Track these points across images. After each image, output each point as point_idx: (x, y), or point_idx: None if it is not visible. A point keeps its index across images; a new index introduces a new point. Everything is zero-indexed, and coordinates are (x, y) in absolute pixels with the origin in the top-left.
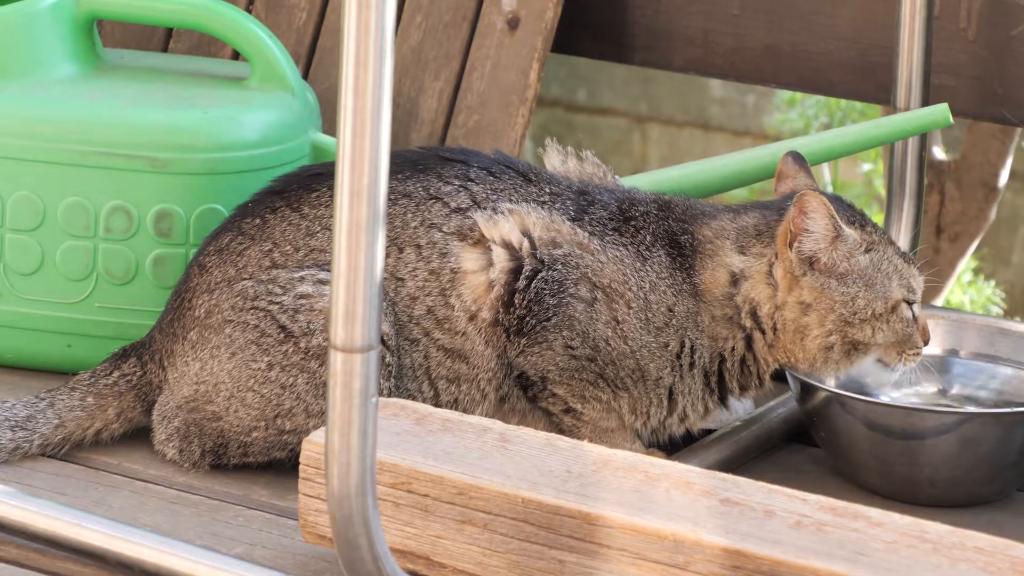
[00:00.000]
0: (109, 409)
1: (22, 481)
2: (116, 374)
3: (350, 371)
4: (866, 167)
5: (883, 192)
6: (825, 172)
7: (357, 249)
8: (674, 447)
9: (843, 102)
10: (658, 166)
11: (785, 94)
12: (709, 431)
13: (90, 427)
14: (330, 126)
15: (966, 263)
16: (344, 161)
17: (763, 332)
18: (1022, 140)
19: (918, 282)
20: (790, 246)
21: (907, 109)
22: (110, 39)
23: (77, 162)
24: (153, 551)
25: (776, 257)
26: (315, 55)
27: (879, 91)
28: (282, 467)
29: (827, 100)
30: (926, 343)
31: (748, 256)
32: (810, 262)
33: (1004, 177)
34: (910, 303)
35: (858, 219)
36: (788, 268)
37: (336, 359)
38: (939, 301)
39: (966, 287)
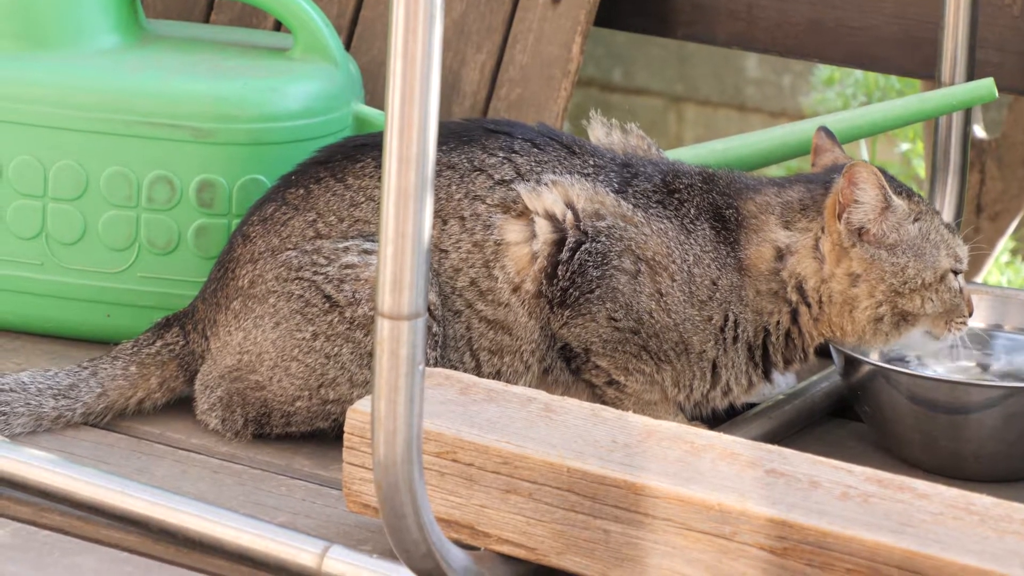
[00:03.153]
0: (152, 378)
1: (65, 449)
2: (159, 343)
3: (397, 338)
4: (904, 147)
5: (921, 172)
6: (863, 151)
7: (405, 216)
8: (716, 420)
9: (881, 81)
10: None
11: (823, 74)
12: (751, 405)
13: (132, 396)
14: (372, 97)
15: (1005, 243)
16: (392, 128)
17: (809, 306)
18: None
19: (963, 251)
20: (839, 217)
21: (952, 84)
22: (152, 10)
23: (120, 132)
24: (196, 518)
25: (822, 231)
26: (357, 26)
27: (923, 66)
28: (325, 437)
29: (865, 79)
30: (970, 313)
31: (794, 231)
32: (859, 233)
33: None
34: (956, 272)
35: (904, 190)
36: (837, 240)
37: (383, 326)
38: (979, 279)
39: (1004, 268)
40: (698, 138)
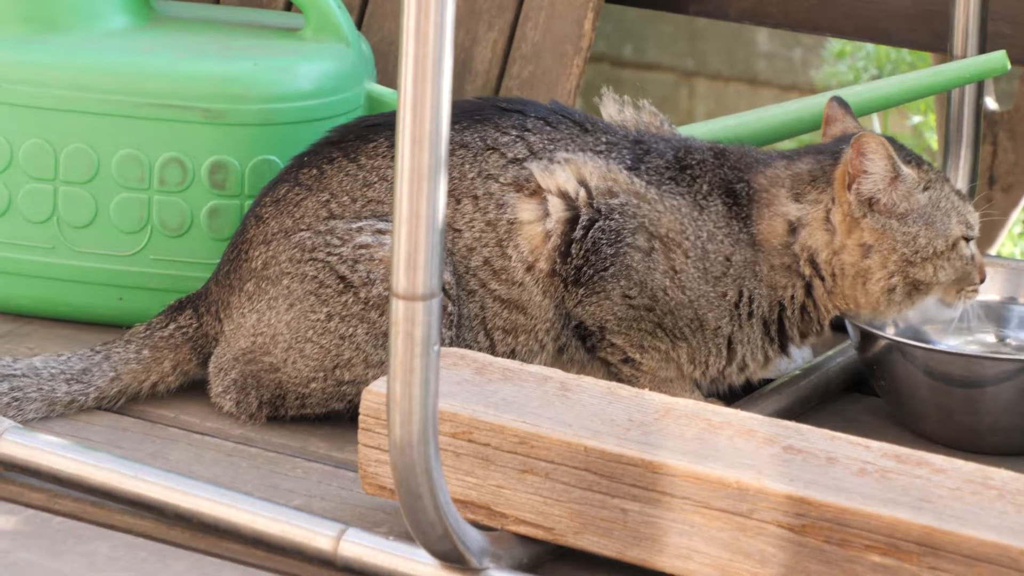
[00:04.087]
0: (165, 362)
1: (78, 434)
2: (172, 326)
3: (412, 319)
4: (916, 119)
5: (934, 145)
6: (875, 124)
7: (419, 196)
8: (733, 396)
9: (892, 54)
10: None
11: (834, 47)
12: (767, 380)
13: (146, 380)
14: (384, 77)
15: (1017, 214)
16: (406, 108)
17: (822, 279)
18: None
19: (974, 218)
20: (849, 188)
21: (964, 57)
22: None
23: (131, 114)
24: (211, 503)
25: (833, 202)
26: (368, 6)
27: (935, 39)
28: (340, 419)
29: (876, 52)
30: (982, 280)
31: (804, 204)
32: (870, 203)
33: None
34: (968, 240)
35: (914, 159)
36: (847, 211)
37: (398, 307)
38: (992, 251)
39: (1017, 239)
40: (709, 113)
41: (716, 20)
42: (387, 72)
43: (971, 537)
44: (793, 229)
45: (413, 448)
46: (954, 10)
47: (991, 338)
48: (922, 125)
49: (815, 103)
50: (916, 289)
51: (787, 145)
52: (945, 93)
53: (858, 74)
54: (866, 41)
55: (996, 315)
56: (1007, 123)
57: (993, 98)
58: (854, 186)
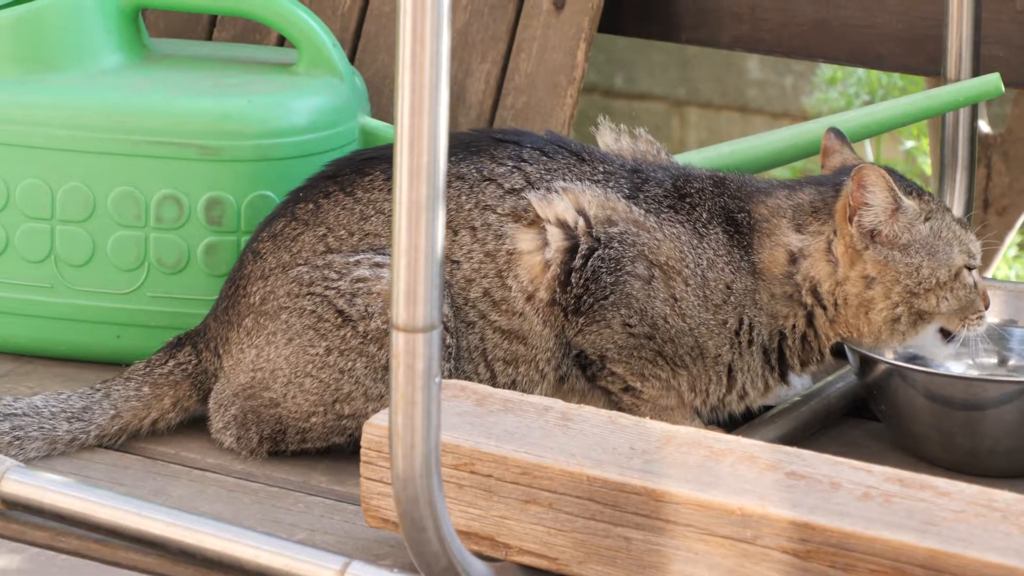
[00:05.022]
0: (165, 398)
1: (80, 472)
2: (171, 363)
3: (412, 351)
4: (909, 144)
5: (927, 170)
6: (868, 150)
7: (417, 228)
8: (733, 424)
9: (884, 79)
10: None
11: (825, 74)
12: (768, 407)
13: (146, 417)
14: (378, 110)
15: (1013, 237)
16: (402, 140)
17: (824, 308)
18: None
19: (976, 247)
20: (850, 220)
21: (958, 80)
22: (154, 29)
23: (126, 151)
24: (215, 538)
25: (835, 233)
26: (360, 40)
27: (928, 63)
28: (341, 452)
29: (868, 78)
30: (986, 307)
31: (806, 234)
32: (872, 235)
33: None
34: (971, 268)
35: (914, 189)
36: (849, 243)
37: (398, 340)
38: (988, 275)
39: (1012, 262)
40: (701, 141)
41: (708, 48)
42: (381, 106)
43: (976, 559)
44: (794, 259)
45: (416, 481)
46: (947, 33)
47: (991, 360)
48: (915, 150)
49: (808, 130)
50: (920, 319)
51: (780, 172)
52: (939, 117)
53: (850, 100)
54: (859, 66)
55: (996, 337)
56: (1001, 146)
57: (986, 121)
58: (856, 218)
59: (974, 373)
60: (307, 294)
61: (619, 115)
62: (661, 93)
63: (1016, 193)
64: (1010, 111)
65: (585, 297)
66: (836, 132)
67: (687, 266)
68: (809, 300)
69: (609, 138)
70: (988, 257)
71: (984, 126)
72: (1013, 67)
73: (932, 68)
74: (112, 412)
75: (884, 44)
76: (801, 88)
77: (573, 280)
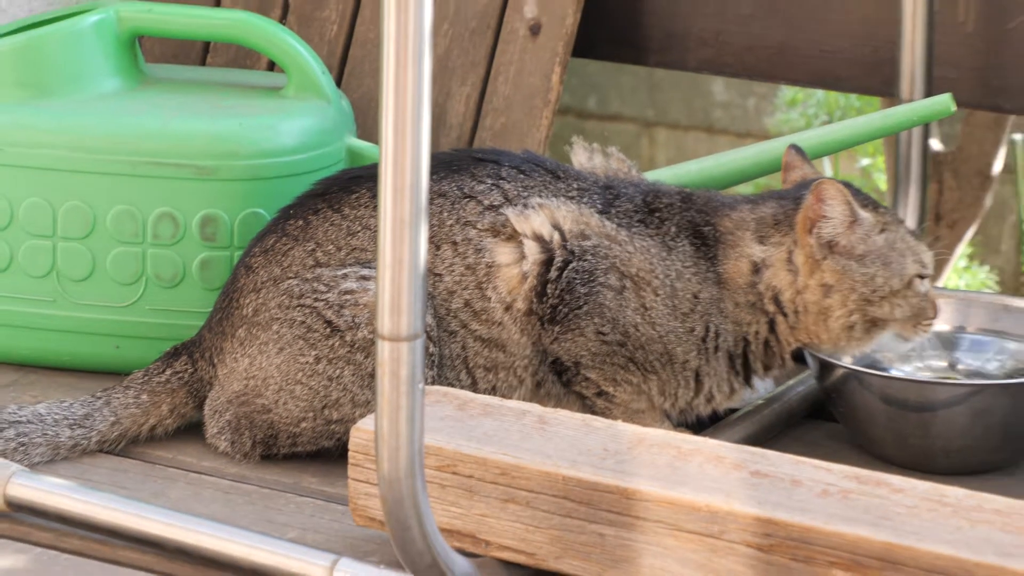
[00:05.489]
0: (163, 405)
1: (82, 476)
2: (168, 372)
3: (397, 359)
4: (865, 161)
5: (882, 185)
6: (826, 166)
7: (401, 243)
8: (700, 426)
9: (842, 100)
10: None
11: (786, 95)
12: (733, 410)
13: (145, 423)
14: (363, 131)
15: (962, 249)
16: (387, 160)
17: (785, 316)
18: (1012, 132)
19: (928, 257)
20: (810, 232)
21: (912, 100)
22: (149, 55)
23: (125, 172)
24: (211, 537)
25: (795, 244)
26: (347, 65)
27: (884, 85)
28: (330, 455)
29: (826, 99)
30: (936, 315)
31: (768, 246)
32: (830, 246)
33: (998, 166)
34: (922, 277)
35: (870, 203)
36: (809, 253)
37: (384, 348)
38: (939, 284)
39: (961, 272)
40: (670, 160)
41: (676, 71)
42: (366, 127)
43: (929, 551)
44: (757, 269)
45: (401, 481)
46: (901, 56)
47: (942, 364)
48: (871, 167)
49: (770, 148)
50: (875, 325)
51: (744, 188)
52: (894, 136)
53: (809, 120)
54: (820, 87)
55: (947, 343)
56: (951, 163)
57: (938, 139)
58: (815, 230)
59: (926, 377)
60: (297, 306)
61: (592, 135)
62: (631, 114)
63: (965, 207)
64: (960, 130)
65: (560, 307)
66: (796, 149)
67: (656, 277)
68: (771, 308)
69: (583, 157)
70: (939, 267)
71: (936, 144)
72: (963, 88)
73: (888, 89)
74: (112, 419)
75: (843, 67)
76: (763, 109)
77: (549, 291)
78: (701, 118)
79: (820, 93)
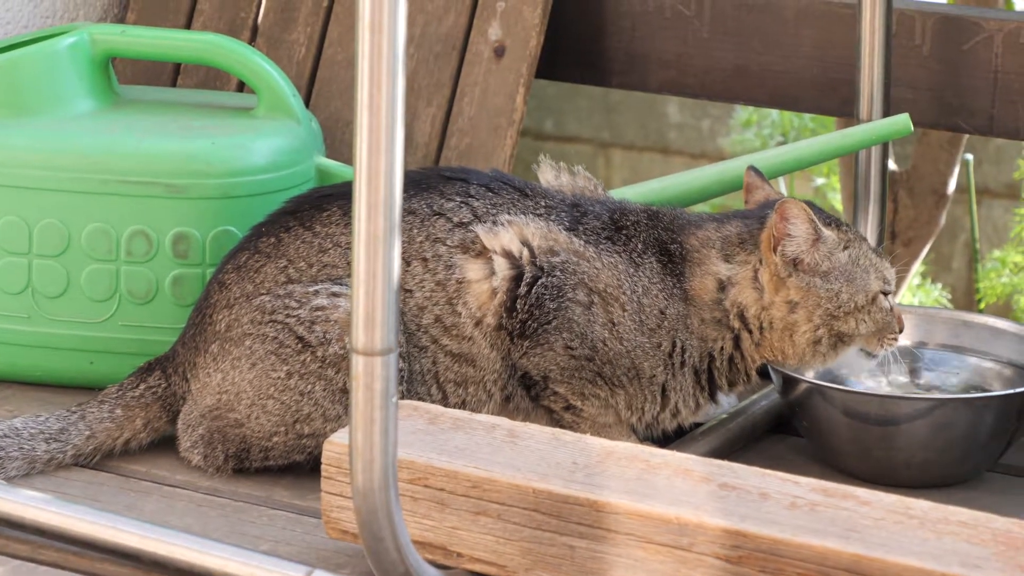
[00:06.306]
0: (136, 420)
1: (58, 490)
2: (142, 387)
3: (371, 373)
4: (820, 181)
5: (837, 205)
6: (782, 186)
7: (375, 258)
8: (666, 440)
9: (796, 121)
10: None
11: (741, 116)
12: (697, 424)
13: (119, 437)
14: (332, 151)
15: (916, 267)
16: (361, 177)
17: (750, 332)
18: (964, 152)
19: (891, 273)
20: (774, 250)
21: (870, 120)
22: (121, 77)
23: (99, 190)
24: (185, 550)
25: (760, 262)
26: (315, 86)
27: (842, 105)
28: (301, 469)
29: (781, 120)
30: (901, 330)
31: (733, 264)
32: (794, 263)
33: (952, 185)
34: (886, 293)
35: (833, 221)
36: (774, 271)
37: (358, 362)
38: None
39: (915, 290)
40: (625, 180)
41: (632, 93)
42: (334, 146)
43: (896, 563)
44: (723, 287)
45: (375, 494)
46: (859, 77)
47: (904, 379)
48: (825, 186)
49: (731, 167)
50: (840, 341)
51: (702, 207)
52: (851, 156)
53: (764, 141)
54: (778, 108)
55: (908, 357)
56: (907, 182)
57: (893, 159)
58: (779, 248)
59: (888, 391)
60: (269, 321)
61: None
62: (588, 136)
63: (920, 226)
64: (914, 150)
65: (529, 322)
66: (755, 170)
67: (624, 293)
68: (736, 324)
69: (550, 175)
70: (896, 285)
71: (891, 164)
72: (920, 108)
73: (845, 110)
74: (87, 433)
75: (801, 87)
76: (718, 130)
77: (518, 306)
78: (656, 139)
79: (775, 114)
